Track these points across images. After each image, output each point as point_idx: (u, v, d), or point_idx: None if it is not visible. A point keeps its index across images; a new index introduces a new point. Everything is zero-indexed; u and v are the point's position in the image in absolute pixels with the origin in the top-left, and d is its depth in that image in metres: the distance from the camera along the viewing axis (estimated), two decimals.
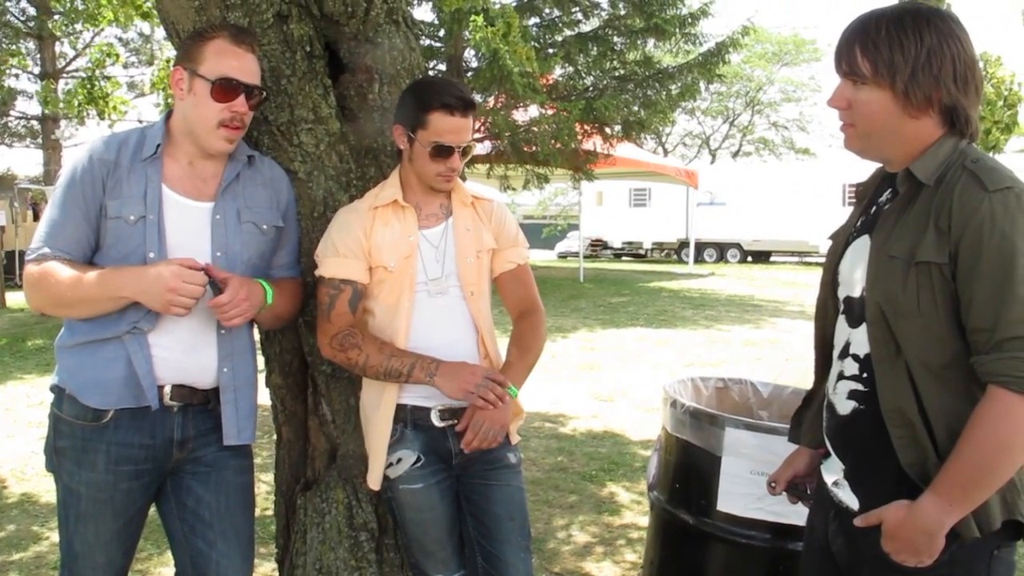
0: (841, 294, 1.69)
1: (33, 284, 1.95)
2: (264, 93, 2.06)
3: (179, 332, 1.97)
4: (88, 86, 10.05)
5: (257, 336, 2.26)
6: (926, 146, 1.54)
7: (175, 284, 1.83)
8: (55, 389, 2.03)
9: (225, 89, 1.94)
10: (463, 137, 2.08)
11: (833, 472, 1.70)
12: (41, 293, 1.95)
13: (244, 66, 1.97)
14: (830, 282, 1.75)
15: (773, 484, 1.97)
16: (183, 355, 1.98)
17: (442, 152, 2.06)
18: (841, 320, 1.69)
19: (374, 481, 2.15)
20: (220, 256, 2.00)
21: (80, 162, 1.95)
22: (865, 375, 1.59)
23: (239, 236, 2.04)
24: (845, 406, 1.65)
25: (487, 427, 2.02)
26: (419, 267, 2.13)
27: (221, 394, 2.04)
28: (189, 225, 1.99)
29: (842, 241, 1.73)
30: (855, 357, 1.62)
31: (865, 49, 1.53)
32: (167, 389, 1.97)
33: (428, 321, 2.13)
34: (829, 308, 1.77)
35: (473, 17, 9.97)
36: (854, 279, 1.63)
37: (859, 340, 1.61)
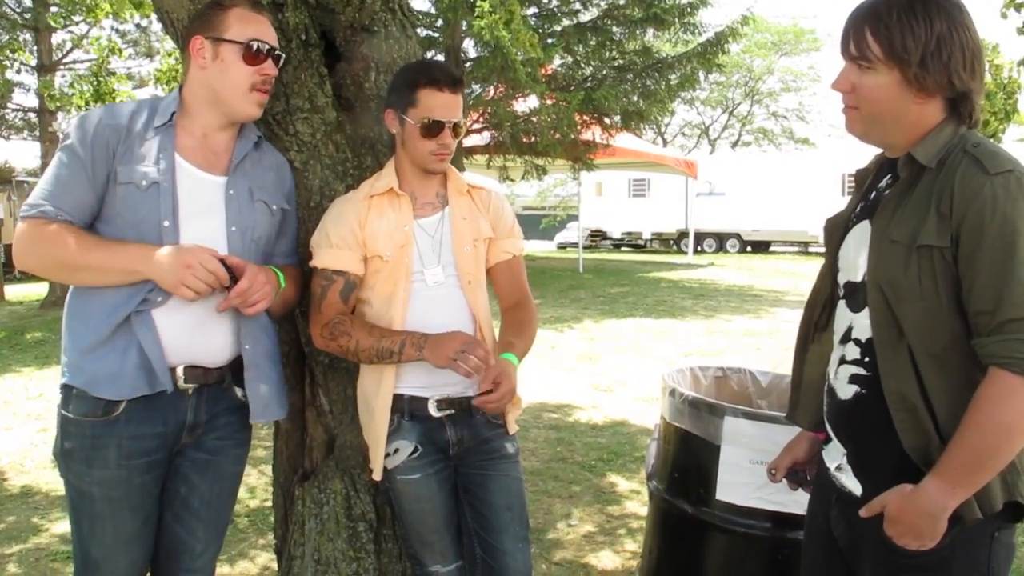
0: (842, 279, 1.69)
1: (33, 240, 1.84)
2: (283, 56, 2.06)
3: (185, 310, 1.90)
4: (94, 82, 10.05)
5: None
6: (928, 131, 1.55)
7: (192, 260, 1.80)
8: (63, 389, 1.94)
9: (256, 53, 1.95)
10: (453, 113, 2.08)
11: (835, 457, 1.70)
12: (42, 251, 1.85)
13: (267, 31, 2.00)
14: (829, 266, 1.75)
15: (773, 471, 1.97)
16: (190, 334, 1.92)
17: (433, 128, 2.06)
18: (842, 305, 1.68)
19: (377, 472, 2.14)
20: (235, 231, 1.97)
21: (89, 126, 1.88)
22: (867, 359, 1.59)
23: (252, 213, 2.01)
24: (847, 391, 1.64)
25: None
26: (415, 256, 2.11)
27: (245, 371, 2.00)
28: (201, 197, 1.95)
29: (841, 227, 1.72)
30: (857, 342, 1.62)
31: (876, 32, 1.52)
32: (179, 371, 1.92)
33: (424, 311, 2.11)
34: (822, 291, 1.78)
35: (479, 4, 9.88)
36: (856, 264, 1.62)
37: (861, 325, 1.60)
